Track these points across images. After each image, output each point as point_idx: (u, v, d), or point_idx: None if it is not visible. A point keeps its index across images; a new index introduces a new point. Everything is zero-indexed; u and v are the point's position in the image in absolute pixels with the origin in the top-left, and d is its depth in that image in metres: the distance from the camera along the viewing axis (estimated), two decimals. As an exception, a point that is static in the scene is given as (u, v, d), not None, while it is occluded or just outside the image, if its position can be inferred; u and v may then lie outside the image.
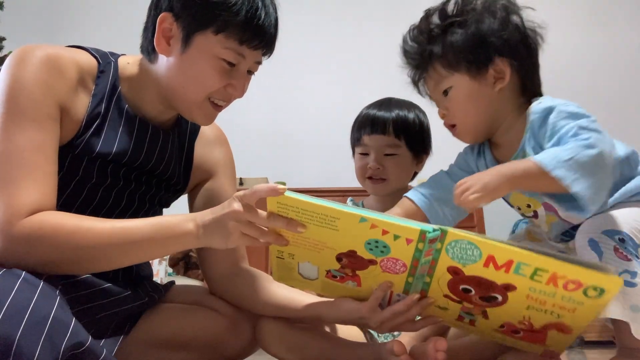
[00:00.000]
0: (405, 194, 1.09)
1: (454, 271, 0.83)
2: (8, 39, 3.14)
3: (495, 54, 0.97)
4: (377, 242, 0.82)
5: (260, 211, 0.83)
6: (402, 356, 0.92)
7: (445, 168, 1.13)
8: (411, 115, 1.32)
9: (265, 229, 0.85)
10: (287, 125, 3.84)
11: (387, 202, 1.33)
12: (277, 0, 0.97)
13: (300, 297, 1.01)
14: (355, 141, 1.36)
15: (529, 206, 1.01)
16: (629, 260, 0.83)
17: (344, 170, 3.43)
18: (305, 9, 3.85)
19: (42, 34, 3.74)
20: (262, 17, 0.91)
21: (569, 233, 0.99)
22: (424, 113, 1.36)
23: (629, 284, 0.82)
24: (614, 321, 0.85)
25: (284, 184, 0.80)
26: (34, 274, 0.74)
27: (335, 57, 3.92)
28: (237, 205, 0.82)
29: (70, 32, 3.73)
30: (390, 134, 1.30)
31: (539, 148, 0.92)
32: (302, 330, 1.04)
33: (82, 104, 0.92)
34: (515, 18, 0.99)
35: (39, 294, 0.69)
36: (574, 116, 0.88)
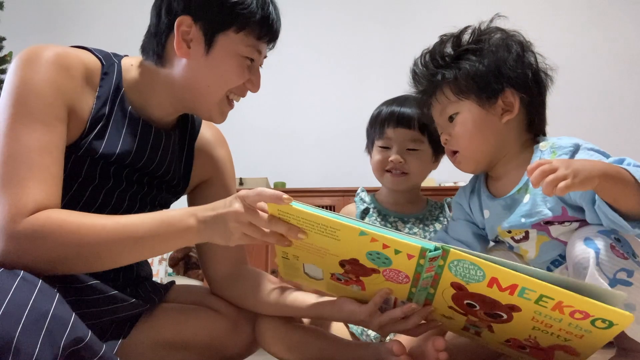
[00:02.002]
0: None
1: (457, 287, 0.82)
2: (8, 39, 3.14)
3: (506, 85, 0.97)
4: (378, 254, 0.82)
5: (261, 213, 0.83)
6: (401, 356, 0.92)
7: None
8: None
9: (267, 230, 0.84)
10: (287, 126, 3.84)
11: (400, 197, 1.34)
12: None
13: (301, 297, 1.01)
14: (378, 135, 1.33)
15: (519, 230, 0.99)
16: (626, 258, 0.83)
17: (343, 171, 3.44)
18: (306, 9, 3.86)
19: (42, 34, 3.74)
20: (273, 13, 0.97)
21: (557, 261, 0.98)
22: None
23: (624, 283, 0.81)
24: None
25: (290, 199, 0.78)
26: (33, 273, 0.74)
27: (335, 58, 3.92)
28: (238, 206, 0.82)
29: (70, 32, 3.73)
30: (415, 129, 1.28)
31: None
32: (302, 329, 1.04)
33: (86, 105, 0.92)
34: (529, 55, 1.00)
35: (37, 292, 0.69)
36: (605, 154, 0.90)
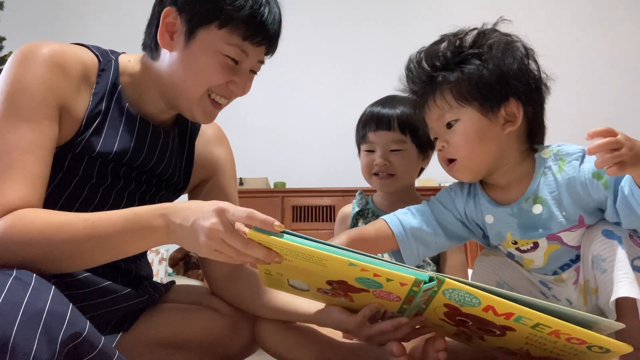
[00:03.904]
0: (383, 217, 1.06)
1: (451, 307, 0.80)
2: (8, 39, 3.14)
3: (511, 95, 0.94)
4: (368, 279, 0.79)
5: (240, 233, 0.74)
6: (401, 357, 0.92)
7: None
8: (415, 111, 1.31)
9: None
10: (287, 126, 3.84)
11: (394, 199, 1.33)
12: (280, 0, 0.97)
13: (298, 302, 1.01)
14: (361, 139, 1.35)
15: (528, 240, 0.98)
16: None
17: (343, 171, 3.45)
18: (306, 9, 3.86)
19: (42, 34, 3.74)
20: (266, 13, 0.91)
21: (567, 265, 0.97)
22: None
23: None
24: (619, 310, 0.85)
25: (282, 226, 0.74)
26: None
27: (335, 58, 3.93)
28: (214, 221, 0.73)
29: (70, 32, 3.73)
30: (396, 130, 1.29)
31: (575, 193, 0.92)
32: (302, 331, 1.04)
33: (83, 102, 0.92)
34: (532, 63, 0.97)
35: (32, 289, 0.67)
36: None
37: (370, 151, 1.32)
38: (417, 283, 0.76)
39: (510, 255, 1.03)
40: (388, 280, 0.77)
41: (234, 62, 0.93)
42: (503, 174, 0.99)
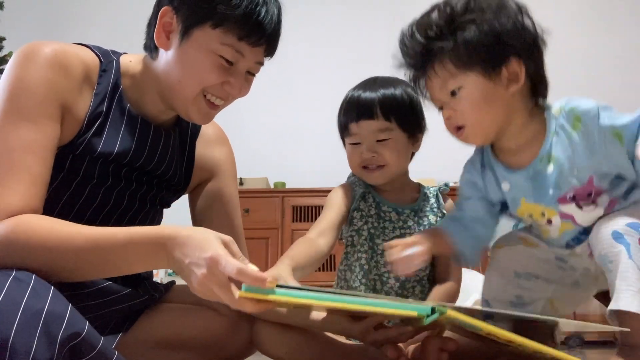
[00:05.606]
0: (442, 228, 1.05)
1: (453, 324, 0.81)
2: (8, 39, 3.15)
3: (510, 54, 0.94)
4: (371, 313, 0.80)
5: (229, 289, 0.70)
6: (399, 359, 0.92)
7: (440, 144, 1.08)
8: (398, 92, 1.20)
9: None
10: (287, 125, 3.84)
11: (386, 186, 1.27)
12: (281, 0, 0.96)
13: None
14: (343, 129, 1.27)
15: (543, 214, 0.98)
16: None
17: (344, 171, 3.44)
18: (306, 8, 3.85)
19: (42, 34, 3.74)
20: (262, 13, 0.90)
21: (577, 239, 0.98)
22: (412, 87, 1.18)
23: None
24: (620, 317, 0.84)
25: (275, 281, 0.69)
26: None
27: (335, 57, 3.92)
28: (205, 273, 0.70)
29: (70, 33, 3.73)
30: (379, 118, 1.19)
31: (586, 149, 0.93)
32: (300, 332, 1.03)
33: (84, 103, 0.92)
34: (527, 20, 0.97)
35: (31, 290, 0.67)
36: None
37: (356, 144, 1.24)
38: (420, 318, 0.76)
39: (533, 228, 1.03)
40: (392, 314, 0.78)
41: (229, 62, 0.92)
42: (513, 135, 0.98)
